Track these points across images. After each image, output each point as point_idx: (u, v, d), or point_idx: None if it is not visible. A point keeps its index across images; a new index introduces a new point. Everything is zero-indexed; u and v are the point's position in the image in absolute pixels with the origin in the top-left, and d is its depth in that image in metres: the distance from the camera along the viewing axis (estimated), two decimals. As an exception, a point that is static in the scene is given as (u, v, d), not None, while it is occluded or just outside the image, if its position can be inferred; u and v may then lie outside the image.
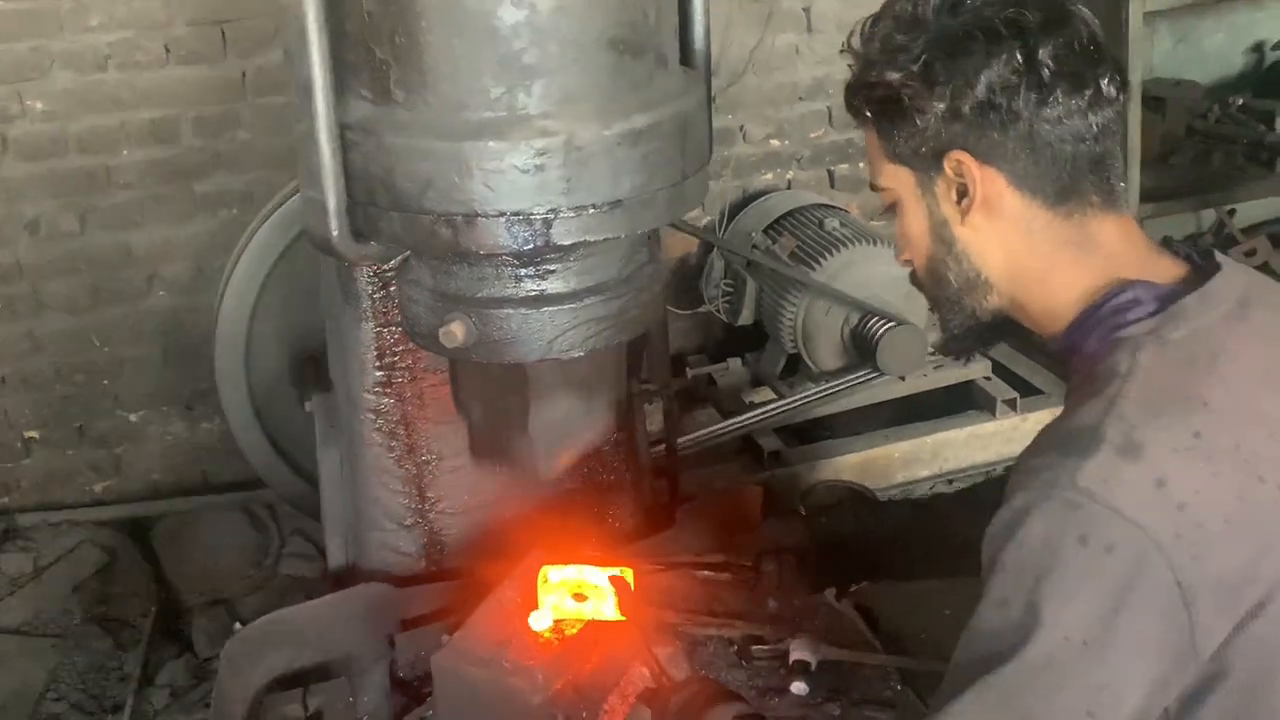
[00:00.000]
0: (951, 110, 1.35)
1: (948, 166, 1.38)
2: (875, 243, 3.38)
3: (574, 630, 2.03)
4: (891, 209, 1.49)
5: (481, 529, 2.35)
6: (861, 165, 3.96)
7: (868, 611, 2.37)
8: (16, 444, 3.52)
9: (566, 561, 2.07)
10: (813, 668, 2.08)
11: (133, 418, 3.59)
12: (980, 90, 1.33)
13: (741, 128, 3.80)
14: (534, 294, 1.61)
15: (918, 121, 1.37)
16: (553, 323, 1.62)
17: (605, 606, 2.00)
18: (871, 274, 3.33)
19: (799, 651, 2.09)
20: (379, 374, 2.18)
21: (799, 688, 2.07)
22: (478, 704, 1.96)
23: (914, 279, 1.52)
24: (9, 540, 3.43)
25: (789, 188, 3.88)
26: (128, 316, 3.47)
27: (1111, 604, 1.22)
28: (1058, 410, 2.83)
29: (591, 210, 1.50)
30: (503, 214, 1.47)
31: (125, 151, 3.33)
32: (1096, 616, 1.22)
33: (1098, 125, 1.36)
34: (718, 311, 3.61)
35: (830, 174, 3.96)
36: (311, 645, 2.25)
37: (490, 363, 1.65)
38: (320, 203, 1.49)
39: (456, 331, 1.59)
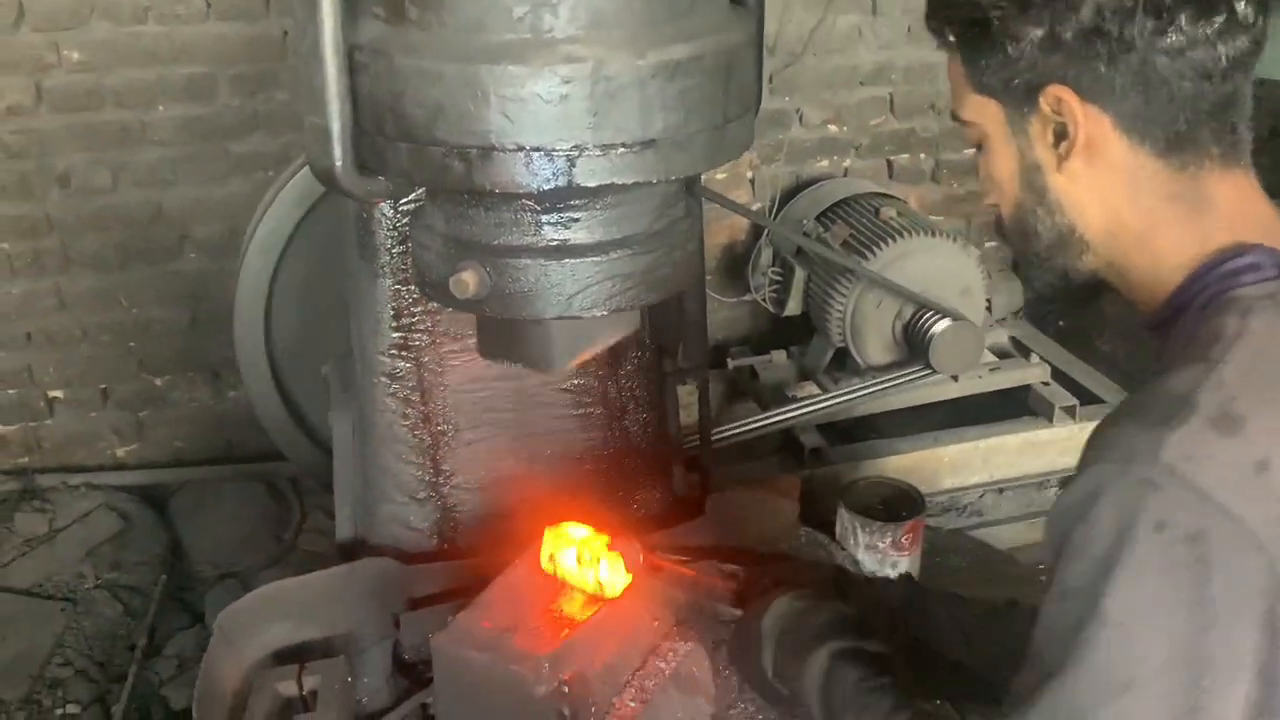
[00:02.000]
0: (1051, 37, 1.17)
1: (1044, 103, 1.20)
2: (934, 234, 3.21)
3: (587, 616, 1.88)
4: (977, 146, 1.32)
5: (498, 507, 2.21)
6: (923, 156, 3.79)
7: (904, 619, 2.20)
8: (40, 403, 3.46)
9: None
10: None
11: (158, 382, 3.51)
12: (1086, 14, 1.15)
13: (798, 111, 3.64)
14: (555, 244, 1.46)
15: (1009, 50, 1.19)
16: (573, 277, 1.47)
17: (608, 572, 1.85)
18: (928, 267, 3.16)
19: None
20: (395, 335, 2.05)
21: None
22: (478, 692, 1.82)
23: (999, 228, 1.35)
24: (26, 500, 3.35)
25: (845, 176, 3.71)
26: (157, 278, 3.39)
27: (1190, 607, 1.05)
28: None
29: (621, 150, 1.35)
30: (521, 148, 1.32)
31: (161, 107, 3.24)
32: (1172, 621, 1.06)
33: (1227, 58, 1.16)
34: (763, 301, 3.45)
35: (889, 164, 3.79)
36: (311, 620, 2.13)
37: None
38: (323, 129, 1.36)
39: (468, 281, 1.45)
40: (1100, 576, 1.08)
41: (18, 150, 3.18)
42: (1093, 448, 1.15)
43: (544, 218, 1.46)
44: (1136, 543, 1.06)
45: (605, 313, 1.51)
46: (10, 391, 3.42)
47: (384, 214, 1.92)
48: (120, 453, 3.54)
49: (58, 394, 3.46)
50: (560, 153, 1.34)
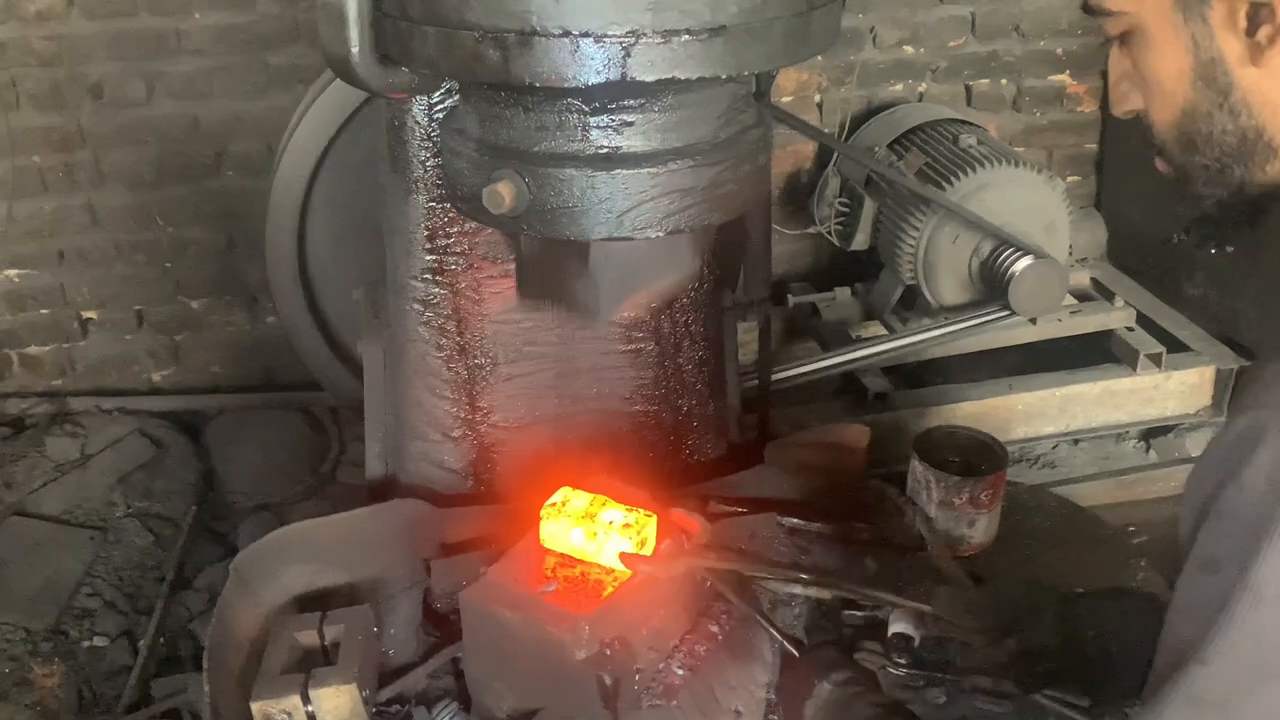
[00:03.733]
0: None
1: None
2: (1017, 164, 2.97)
3: (632, 576, 1.71)
4: (1118, 39, 1.12)
5: (539, 449, 2.05)
6: (1004, 82, 3.52)
7: (982, 581, 2.01)
8: (74, 324, 3.36)
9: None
10: (915, 644, 1.74)
11: (194, 305, 3.40)
12: None
13: (871, 30, 3.38)
14: (604, 151, 1.27)
15: None
16: (625, 191, 1.27)
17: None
18: (1010, 199, 2.93)
19: (899, 624, 1.76)
20: (429, 258, 1.87)
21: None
22: (509, 653, 1.67)
23: (1150, 136, 1.14)
24: (58, 424, 3.25)
25: (920, 101, 3.45)
26: (193, 195, 3.26)
27: None
28: (1208, 370, 2.36)
29: (685, 37, 1.14)
30: (567, 33, 1.12)
31: (197, 15, 3.08)
32: None
33: None
34: (828, 234, 3.23)
35: (968, 89, 3.53)
36: (335, 564, 1.98)
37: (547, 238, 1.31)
38: (337, 9, 1.17)
39: (504, 193, 1.27)
40: (1253, 544, 0.93)
41: (49, 58, 3.04)
42: (1247, 390, 1.00)
43: (592, 120, 1.26)
44: None
45: (661, 234, 1.32)
46: (43, 311, 3.32)
47: (416, 120, 1.73)
48: (155, 377, 3.45)
49: (91, 315, 3.36)
50: (613, 39, 1.14)
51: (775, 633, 1.71)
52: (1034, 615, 1.63)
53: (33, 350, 3.35)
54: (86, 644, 2.64)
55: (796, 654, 1.67)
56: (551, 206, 1.29)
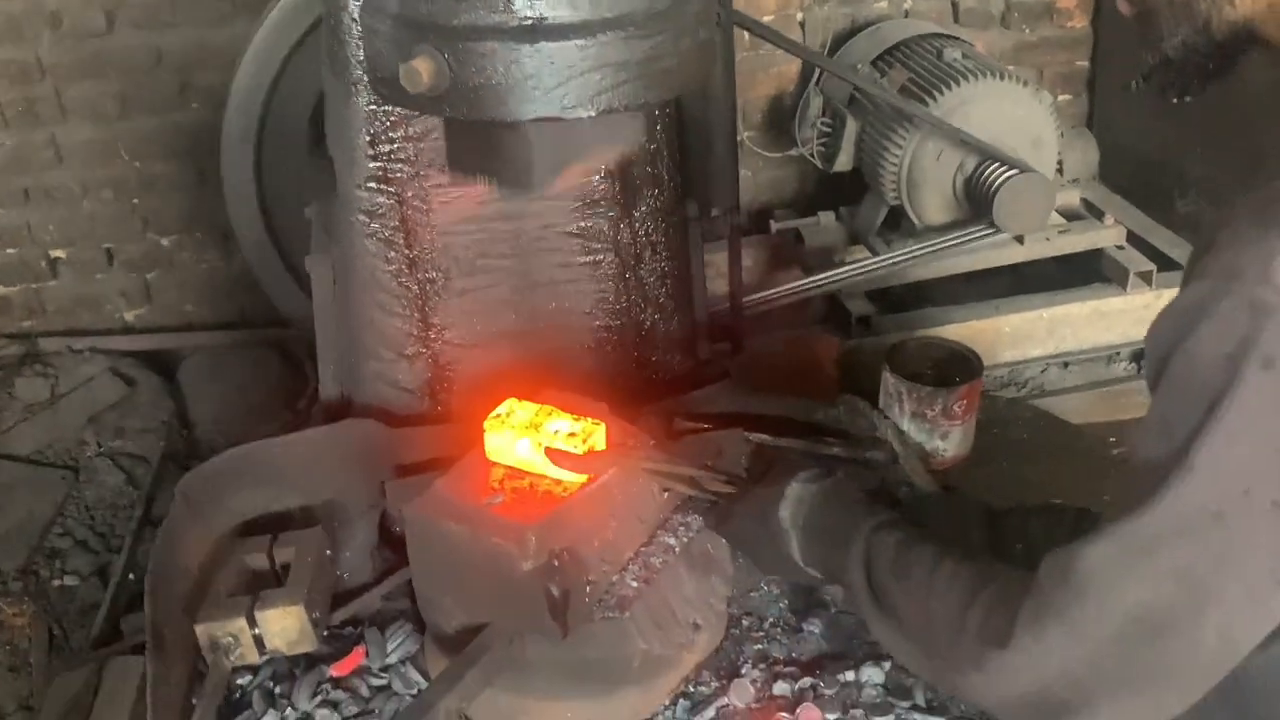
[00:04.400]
0: None
1: None
2: (1002, 77, 2.87)
3: (582, 485, 1.65)
4: None
5: (496, 366, 1.98)
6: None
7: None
8: (41, 263, 3.30)
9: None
10: None
11: (164, 242, 3.33)
12: None
13: (855, -58, 3.26)
14: (529, 22, 1.19)
15: None
16: (552, 65, 1.20)
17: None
18: (996, 114, 2.84)
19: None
20: (373, 166, 1.80)
21: None
22: (456, 567, 1.62)
23: None
24: (28, 365, 3.20)
25: (905, 18, 3.34)
26: (159, 129, 3.17)
27: None
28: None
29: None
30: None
31: (157, -59, 2.97)
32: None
33: None
34: (811, 155, 3.14)
35: (954, 5, 3.42)
36: (288, 487, 1.94)
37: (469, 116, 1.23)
38: None
39: (421, 70, 1.19)
40: (1197, 420, 0.95)
41: (3, -13, 2.94)
42: (1200, 256, 0.99)
43: (516, -13, 1.18)
44: (1241, 383, 0.93)
45: (593, 113, 1.24)
46: (10, 251, 3.26)
47: (353, 18, 1.65)
48: (128, 317, 3.39)
49: (60, 254, 3.29)
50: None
51: (718, 480, 1.64)
52: (961, 530, 1.60)
53: (1, 291, 3.28)
54: (57, 583, 2.61)
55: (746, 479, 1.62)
56: (474, 85, 1.22)
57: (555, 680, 1.65)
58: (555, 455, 1.60)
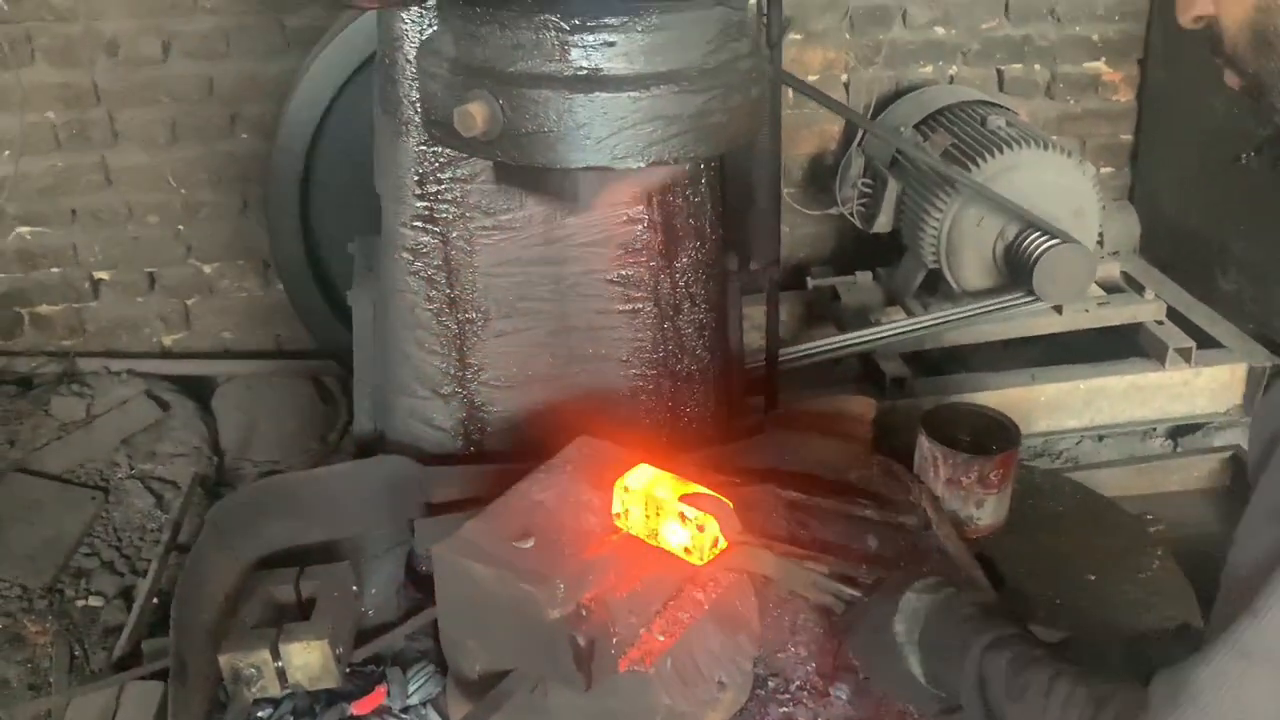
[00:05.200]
0: None
1: None
2: (1046, 146, 2.87)
3: (616, 539, 1.64)
4: None
5: (531, 409, 1.99)
6: (1038, 67, 3.42)
7: (990, 564, 1.93)
8: (85, 284, 3.33)
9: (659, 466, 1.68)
10: None
11: (206, 269, 3.36)
12: None
13: (901, 8, 3.28)
14: (584, 72, 1.20)
15: None
16: (605, 116, 1.21)
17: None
18: (1039, 182, 2.84)
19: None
20: (420, 205, 1.81)
21: None
22: (483, 609, 1.60)
23: (1219, 47, 1.06)
24: (65, 383, 3.22)
25: (950, 84, 3.35)
26: (206, 158, 3.22)
27: None
28: (1239, 367, 2.27)
29: (670, -52, 1.08)
30: (543, -60, 1.06)
31: (214, -26, 3.03)
32: None
33: None
34: (851, 215, 3.15)
35: (999, 74, 3.43)
36: (317, 520, 1.95)
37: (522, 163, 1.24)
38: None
39: (475, 114, 1.20)
40: None
41: (64, 12, 3.02)
42: None
43: (572, 38, 1.20)
44: None
45: (643, 165, 1.25)
46: (54, 270, 3.29)
47: (408, 59, 1.67)
48: (166, 341, 3.41)
49: (103, 275, 3.33)
50: (592, -53, 1.07)
51: (844, 588, 1.62)
52: (1101, 657, 1.54)
53: (43, 309, 3.32)
54: (82, 603, 2.60)
55: (863, 596, 1.58)
56: (526, 131, 1.23)
57: (576, 731, 1.63)
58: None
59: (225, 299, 3.40)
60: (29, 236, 3.23)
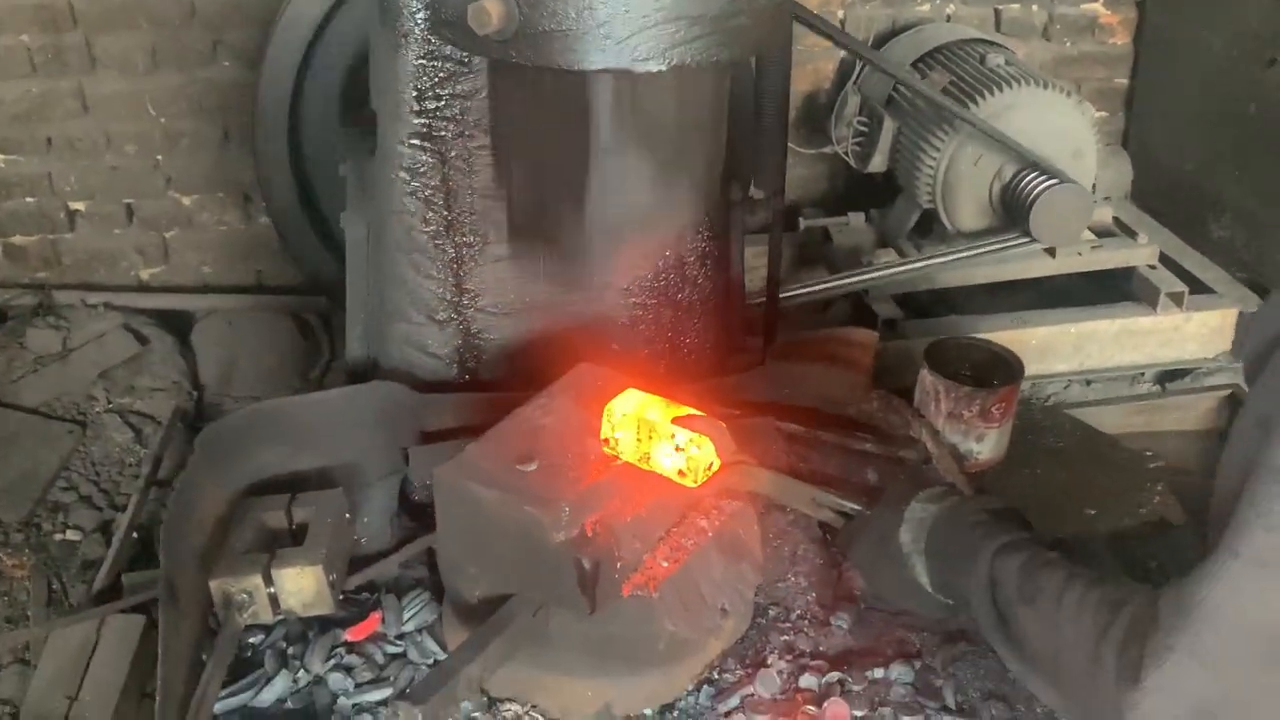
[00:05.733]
0: None
1: None
2: (1045, 86, 2.83)
3: (619, 463, 1.61)
4: None
5: (528, 337, 1.95)
6: (1035, 8, 3.37)
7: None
8: (60, 214, 3.24)
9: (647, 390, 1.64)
10: None
11: (186, 201, 3.27)
12: None
13: (901, -55, 3.23)
14: (604, -32, 1.15)
15: None
16: (626, 14, 1.16)
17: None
18: (1037, 122, 2.79)
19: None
20: (417, 122, 1.76)
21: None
22: (484, 533, 1.57)
23: None
24: (40, 316, 3.14)
25: (947, 22, 3.30)
26: (187, 86, 3.12)
27: None
28: (1230, 313, 2.27)
29: None
30: None
31: (197, -109, 2.93)
32: None
33: None
34: (846, 154, 3.10)
35: (997, 13, 3.38)
36: (308, 446, 1.91)
37: (538, 84, 1.19)
38: None
39: (491, 10, 1.16)
40: None
41: (39, -67, 2.90)
42: None
43: (592, -69, 1.14)
44: None
45: (664, 67, 1.20)
46: (29, 200, 3.20)
47: (409, -34, 1.61)
48: (144, 274, 3.33)
49: (79, 207, 3.23)
50: None
51: (843, 500, 1.61)
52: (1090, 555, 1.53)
53: (18, 240, 3.23)
54: (59, 537, 2.55)
55: (865, 510, 1.57)
56: (544, 29, 1.18)
57: (577, 657, 1.61)
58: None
59: (205, 232, 3.31)
60: (3, 165, 3.13)
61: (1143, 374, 2.95)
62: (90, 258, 3.29)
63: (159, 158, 3.20)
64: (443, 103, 1.74)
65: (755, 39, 1.25)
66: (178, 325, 3.19)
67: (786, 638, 1.74)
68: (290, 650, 1.72)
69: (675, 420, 1.56)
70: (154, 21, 3.03)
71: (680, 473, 1.58)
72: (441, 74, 1.71)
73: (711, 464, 1.57)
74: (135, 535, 2.54)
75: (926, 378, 2.00)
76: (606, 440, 1.62)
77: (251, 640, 1.75)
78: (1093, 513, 1.89)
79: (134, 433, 2.86)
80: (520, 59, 1.21)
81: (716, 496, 1.67)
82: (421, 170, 1.79)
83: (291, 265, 3.08)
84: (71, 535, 2.56)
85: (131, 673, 1.99)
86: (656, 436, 1.57)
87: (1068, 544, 1.44)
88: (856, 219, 3.17)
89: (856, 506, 1.58)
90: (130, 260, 3.31)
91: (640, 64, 1.19)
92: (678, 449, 1.56)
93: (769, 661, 1.68)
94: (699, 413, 1.58)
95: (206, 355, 3.11)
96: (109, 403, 2.91)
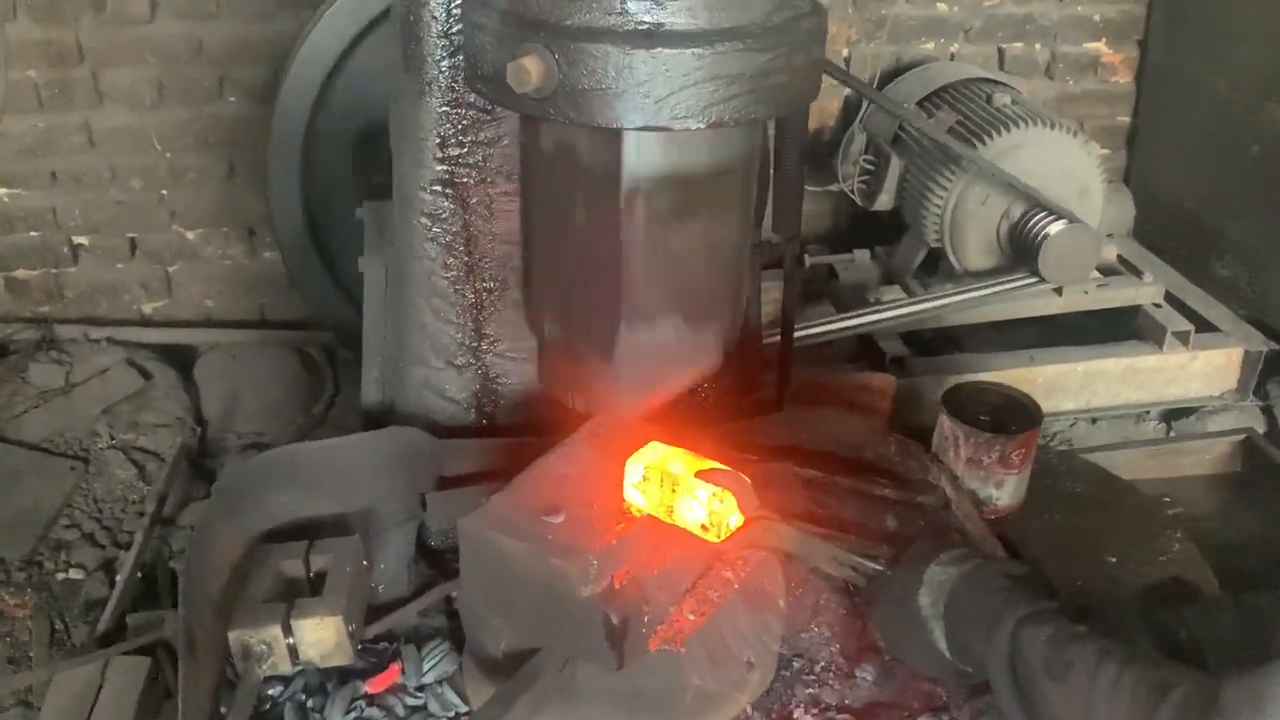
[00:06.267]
0: None
1: None
2: (1052, 126, 2.85)
3: (642, 514, 1.60)
4: None
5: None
6: (1038, 47, 3.40)
7: (1011, 545, 1.91)
8: (64, 248, 3.24)
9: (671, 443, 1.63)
10: None
11: (190, 235, 3.28)
12: None
13: (906, -17, 3.25)
14: (645, 27, 1.15)
15: None
16: (666, 73, 1.16)
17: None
18: (1044, 161, 2.82)
19: (919, 584, 1.64)
20: (440, 169, 1.75)
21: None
22: (510, 585, 1.55)
23: None
24: (43, 350, 3.12)
25: (952, 61, 3.33)
26: (194, 121, 3.13)
27: None
28: (1235, 351, 2.25)
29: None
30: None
31: (206, -70, 2.94)
32: None
33: None
34: (851, 192, 3.11)
35: (1001, 53, 3.42)
36: (325, 492, 1.88)
37: (576, 175, 1.19)
38: None
39: (530, 69, 1.15)
40: None
41: (48, -34, 2.90)
42: None
43: (633, -10, 1.14)
44: None
45: (703, 125, 1.20)
46: (33, 234, 3.20)
47: (433, 15, 1.61)
48: (146, 309, 3.33)
49: (82, 240, 3.23)
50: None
51: (865, 560, 1.58)
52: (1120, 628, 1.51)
53: (20, 274, 3.22)
54: (62, 576, 2.54)
55: (886, 570, 1.54)
56: (583, 87, 1.18)
57: (604, 711, 1.59)
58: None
59: (209, 266, 3.32)
60: (7, 199, 3.13)
61: (1148, 412, 2.96)
62: (93, 291, 3.29)
63: (164, 192, 3.21)
64: (465, 150, 1.73)
65: (792, 96, 1.25)
66: (180, 360, 3.19)
67: (811, 690, 1.72)
68: (310, 703, 1.69)
69: (698, 474, 1.55)
70: (161, 57, 3.05)
71: (703, 527, 1.57)
72: (465, 121, 1.70)
73: (734, 519, 1.56)
74: (140, 574, 2.52)
75: (945, 423, 2.00)
76: (628, 498, 1.60)
77: (270, 692, 1.71)
78: (1113, 560, 1.88)
79: (137, 469, 2.85)
80: (558, 116, 1.21)
81: (742, 548, 1.65)
82: (443, 216, 1.79)
83: (299, 301, 3.06)
84: (74, 574, 2.55)
85: (137, 717, 1.97)
86: (680, 490, 1.56)
87: (1093, 612, 1.42)
88: (862, 256, 3.18)
89: (878, 566, 1.56)
90: (133, 294, 3.32)
91: (679, 121, 1.19)
92: (700, 504, 1.55)
93: (795, 715, 1.66)
94: (722, 466, 1.56)
95: (210, 390, 3.11)
96: (112, 439, 2.90)
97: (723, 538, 1.57)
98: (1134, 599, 1.67)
